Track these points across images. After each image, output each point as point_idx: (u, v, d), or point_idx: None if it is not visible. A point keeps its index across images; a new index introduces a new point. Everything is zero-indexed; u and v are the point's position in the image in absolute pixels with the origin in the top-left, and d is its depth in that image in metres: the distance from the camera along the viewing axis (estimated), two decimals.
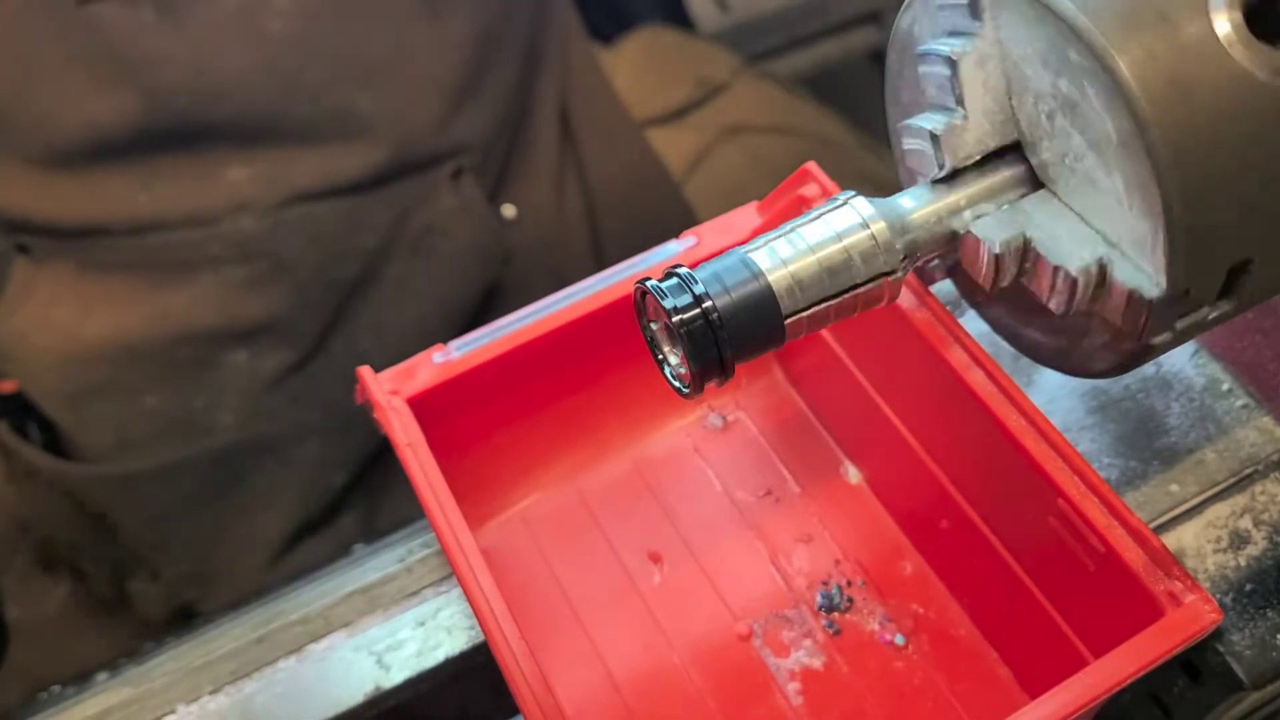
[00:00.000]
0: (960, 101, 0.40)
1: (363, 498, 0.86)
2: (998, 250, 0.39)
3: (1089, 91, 0.36)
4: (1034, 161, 0.41)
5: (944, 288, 0.53)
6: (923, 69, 0.41)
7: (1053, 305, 0.40)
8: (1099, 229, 0.39)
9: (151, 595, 0.81)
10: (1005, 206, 0.41)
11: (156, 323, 0.80)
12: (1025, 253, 0.40)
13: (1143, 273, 0.37)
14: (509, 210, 0.91)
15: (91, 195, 0.78)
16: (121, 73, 0.76)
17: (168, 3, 0.75)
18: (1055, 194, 0.40)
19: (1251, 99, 0.35)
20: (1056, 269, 0.39)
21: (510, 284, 0.88)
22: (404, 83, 0.82)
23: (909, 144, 0.42)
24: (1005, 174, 0.41)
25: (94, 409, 0.80)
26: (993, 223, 0.40)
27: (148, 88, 0.76)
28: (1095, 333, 0.41)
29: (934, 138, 0.40)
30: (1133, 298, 0.38)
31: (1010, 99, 0.40)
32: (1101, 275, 0.38)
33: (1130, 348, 0.40)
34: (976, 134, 0.41)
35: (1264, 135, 0.36)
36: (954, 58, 0.39)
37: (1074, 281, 0.38)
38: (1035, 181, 0.41)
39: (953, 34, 0.40)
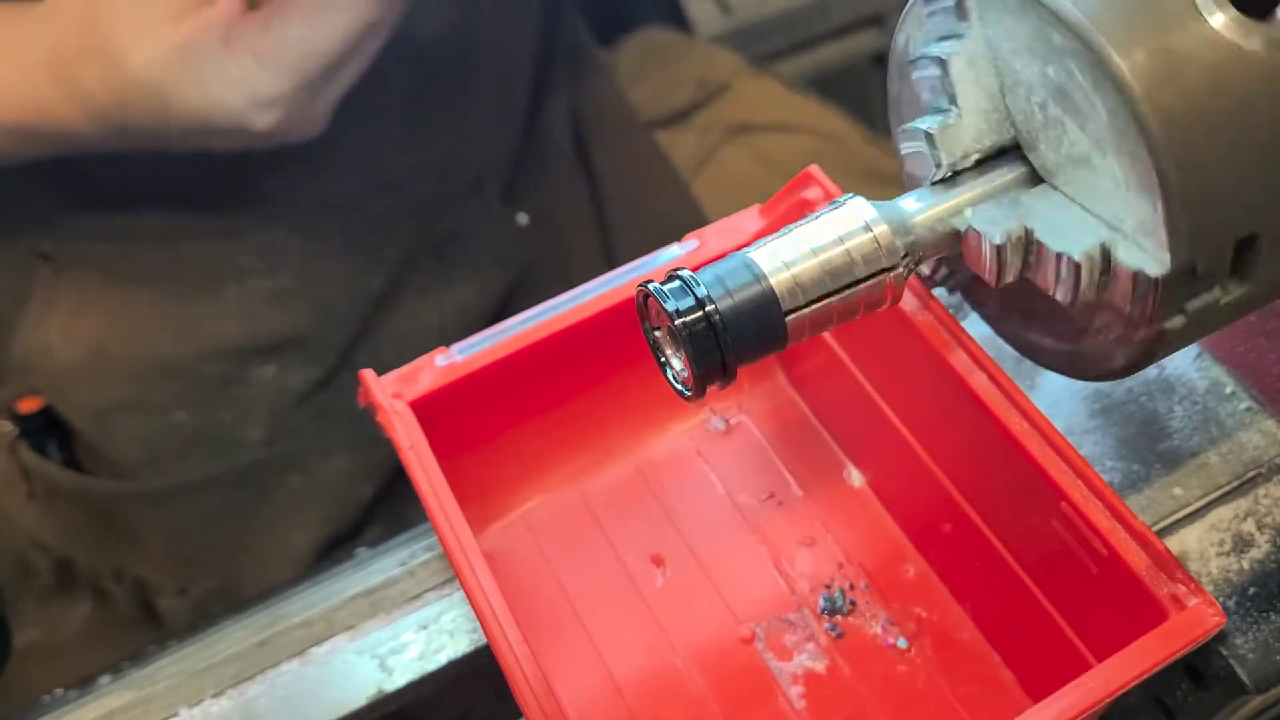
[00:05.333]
0: (953, 100, 0.41)
1: (388, 509, 0.85)
2: (998, 240, 0.39)
3: (1076, 73, 0.37)
4: (1033, 159, 0.41)
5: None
6: (915, 75, 0.42)
7: (1059, 295, 0.39)
8: (1101, 215, 0.39)
9: (180, 612, 0.81)
10: (1005, 202, 0.41)
11: (183, 338, 0.79)
12: (1028, 244, 0.40)
13: (1146, 252, 0.37)
14: (522, 218, 0.90)
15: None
16: None
17: None
18: (1056, 187, 0.40)
19: (1237, 69, 0.36)
20: (1059, 256, 0.38)
21: (523, 291, 0.88)
22: (425, 88, 0.82)
23: (907, 147, 0.43)
24: (1006, 175, 0.41)
25: (122, 424, 0.80)
26: (993, 215, 0.40)
27: None
28: (1101, 331, 0.41)
29: (929, 137, 0.41)
30: (1139, 279, 0.37)
31: (1004, 96, 0.41)
32: (1105, 259, 0.38)
33: (1142, 337, 0.39)
34: (972, 132, 0.41)
35: (1254, 105, 0.36)
36: (943, 58, 0.40)
37: (1078, 267, 0.38)
38: (1036, 181, 0.41)
39: (943, 39, 0.41)
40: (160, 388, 0.80)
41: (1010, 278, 0.40)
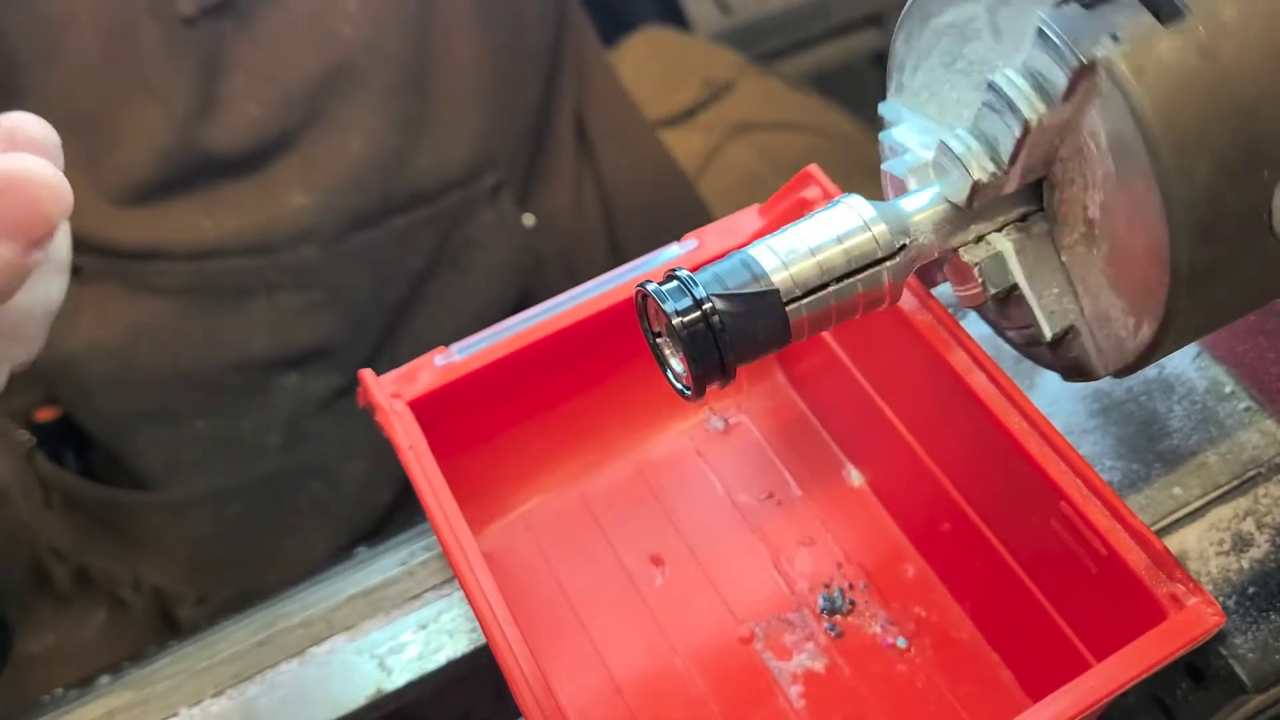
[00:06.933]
0: (1013, 161, 0.38)
1: (404, 514, 0.85)
2: (992, 293, 0.42)
3: (1138, 187, 0.36)
4: (1048, 193, 0.40)
5: (945, 290, 0.53)
6: (986, 99, 0.38)
7: (1016, 337, 0.44)
8: (1080, 298, 0.41)
9: (200, 620, 0.81)
10: (1005, 239, 0.41)
11: (208, 349, 0.79)
12: (1010, 292, 0.42)
13: (1100, 355, 0.41)
14: (529, 219, 0.91)
15: (155, 221, 0.77)
16: (202, 88, 0.75)
17: (244, 12, 0.75)
18: (1053, 239, 0.41)
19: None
20: (1029, 324, 0.42)
21: (532, 293, 0.88)
22: (450, 91, 0.82)
23: (936, 157, 0.40)
24: (1016, 210, 0.41)
25: (145, 433, 0.80)
26: (991, 266, 0.41)
27: (221, 98, 0.75)
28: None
29: (976, 185, 0.39)
30: (1081, 365, 0.42)
31: (1054, 159, 0.39)
32: (1064, 336, 0.42)
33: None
34: (1010, 188, 0.40)
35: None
36: (1030, 124, 0.37)
37: (1040, 336, 0.42)
38: (1037, 197, 0.41)
39: (1033, 80, 0.37)
40: (184, 398, 0.80)
41: (984, 310, 0.44)
